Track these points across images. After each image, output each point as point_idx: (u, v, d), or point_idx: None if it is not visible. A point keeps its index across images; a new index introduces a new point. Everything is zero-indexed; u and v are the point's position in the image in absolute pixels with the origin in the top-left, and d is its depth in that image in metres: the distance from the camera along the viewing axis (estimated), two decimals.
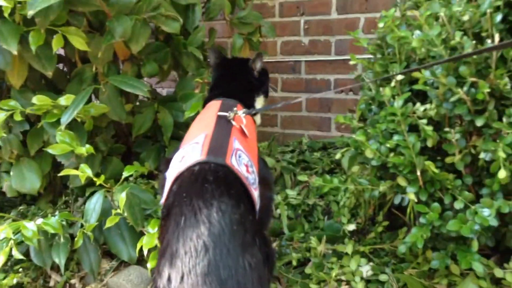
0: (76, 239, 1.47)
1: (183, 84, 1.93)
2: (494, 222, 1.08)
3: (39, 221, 1.43)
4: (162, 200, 1.08)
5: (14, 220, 1.59)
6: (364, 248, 1.46)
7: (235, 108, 1.27)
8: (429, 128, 1.17)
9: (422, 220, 1.18)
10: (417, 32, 1.24)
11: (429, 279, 1.30)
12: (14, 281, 1.51)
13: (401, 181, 1.23)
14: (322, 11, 2.44)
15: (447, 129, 1.17)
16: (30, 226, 1.39)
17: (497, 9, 1.12)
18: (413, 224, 1.28)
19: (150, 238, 1.37)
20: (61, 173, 1.48)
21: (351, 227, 1.57)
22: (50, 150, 1.46)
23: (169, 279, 0.82)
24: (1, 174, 1.83)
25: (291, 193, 1.84)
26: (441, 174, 1.17)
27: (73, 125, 1.53)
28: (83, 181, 1.46)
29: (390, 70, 1.35)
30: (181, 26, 1.71)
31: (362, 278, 1.36)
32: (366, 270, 1.38)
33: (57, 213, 1.57)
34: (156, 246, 1.34)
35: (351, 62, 1.47)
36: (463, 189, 1.19)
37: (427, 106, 1.19)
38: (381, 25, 1.36)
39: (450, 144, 1.18)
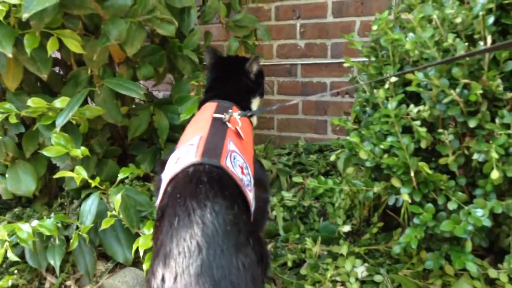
0: (71, 241, 1.47)
1: (178, 87, 1.93)
2: (487, 223, 1.09)
3: (35, 223, 1.43)
4: (157, 202, 1.08)
5: (9, 222, 1.58)
6: (359, 249, 1.47)
7: (230, 110, 1.27)
8: (423, 130, 1.17)
9: (416, 220, 1.19)
10: (411, 34, 1.25)
11: (423, 279, 1.31)
12: (9, 283, 1.51)
13: (395, 182, 1.23)
14: (318, 15, 2.45)
15: (440, 130, 1.18)
16: (25, 228, 1.39)
17: (489, 11, 1.13)
18: (407, 225, 1.29)
19: (145, 240, 1.37)
20: (57, 175, 1.48)
21: (346, 228, 1.58)
22: (45, 152, 1.45)
23: (162, 279, 0.82)
24: None
25: (287, 195, 1.85)
26: (434, 175, 1.18)
27: (68, 128, 1.53)
28: (79, 183, 1.47)
29: (384, 72, 1.36)
30: (176, 29, 1.71)
31: (357, 279, 1.37)
32: (361, 271, 1.39)
33: (52, 215, 1.57)
34: (151, 247, 1.34)
35: (346, 65, 1.48)
36: (456, 190, 1.20)
37: (421, 107, 1.20)
38: (375, 27, 1.37)
39: (444, 145, 1.19)
